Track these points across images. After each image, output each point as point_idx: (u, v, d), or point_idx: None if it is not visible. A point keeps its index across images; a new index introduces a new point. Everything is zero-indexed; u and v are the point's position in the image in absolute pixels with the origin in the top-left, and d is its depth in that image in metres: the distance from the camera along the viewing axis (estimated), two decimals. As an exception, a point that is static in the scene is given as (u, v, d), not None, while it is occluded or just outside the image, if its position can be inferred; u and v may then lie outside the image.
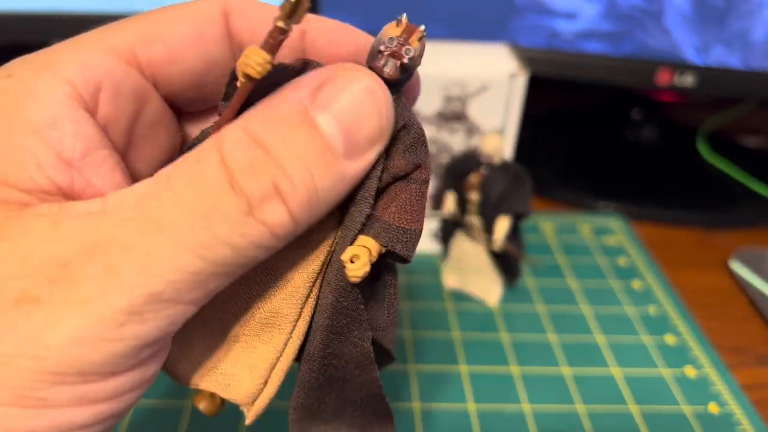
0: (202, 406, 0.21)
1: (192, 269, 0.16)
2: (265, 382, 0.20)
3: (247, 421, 0.20)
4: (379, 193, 0.19)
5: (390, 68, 0.19)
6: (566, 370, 0.38)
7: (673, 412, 0.36)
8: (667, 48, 0.54)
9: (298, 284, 0.20)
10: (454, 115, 0.44)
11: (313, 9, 0.62)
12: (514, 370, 0.38)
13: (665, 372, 0.39)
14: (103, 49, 0.19)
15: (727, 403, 0.37)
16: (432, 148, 0.46)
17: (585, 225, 0.54)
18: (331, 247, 0.20)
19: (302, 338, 0.20)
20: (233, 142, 0.16)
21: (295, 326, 0.20)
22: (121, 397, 0.16)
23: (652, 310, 0.44)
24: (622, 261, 0.49)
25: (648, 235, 0.53)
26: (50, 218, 0.16)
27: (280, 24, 0.16)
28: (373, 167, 0.19)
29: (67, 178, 0.17)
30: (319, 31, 0.21)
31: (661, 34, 0.53)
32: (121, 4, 0.58)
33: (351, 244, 0.19)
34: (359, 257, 0.18)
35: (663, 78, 0.54)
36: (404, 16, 0.19)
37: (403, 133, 0.19)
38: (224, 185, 0.16)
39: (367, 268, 0.18)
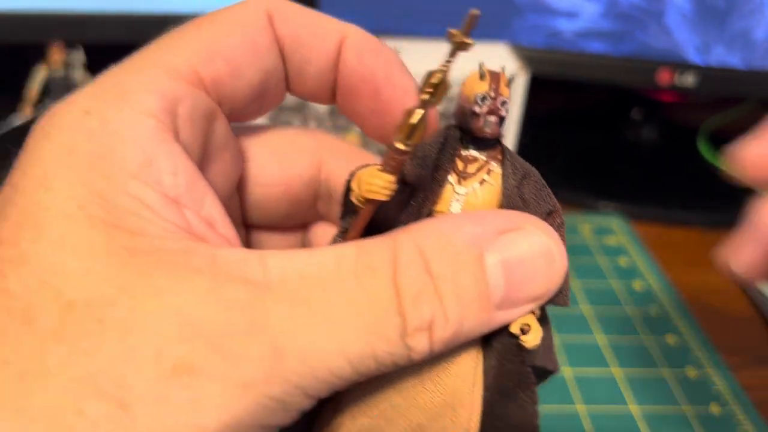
0: None
1: (339, 373, 0.15)
2: None
3: None
4: None
5: (491, 128, 0.18)
6: (566, 370, 0.38)
7: (674, 413, 0.36)
8: (668, 48, 0.54)
9: (466, 359, 0.19)
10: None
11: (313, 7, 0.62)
12: (515, 370, 0.38)
13: (666, 372, 0.39)
14: (170, 73, 0.17)
15: (728, 404, 0.37)
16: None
17: (585, 225, 0.54)
18: None
19: (481, 406, 0.19)
20: (407, 263, 0.16)
21: (472, 396, 0.19)
22: None
23: (652, 310, 0.44)
24: (622, 261, 0.49)
25: (648, 235, 0.53)
26: (210, 276, 0.15)
27: (400, 146, 0.16)
28: None
29: (180, 216, 0.16)
30: (352, 45, 0.20)
31: (661, 34, 0.53)
32: (120, 4, 0.58)
33: None
34: (530, 326, 0.18)
35: (663, 78, 0.54)
36: (483, 65, 0.18)
37: (526, 183, 0.19)
38: (393, 305, 0.15)
39: (541, 333, 0.18)
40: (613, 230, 0.53)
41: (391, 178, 0.17)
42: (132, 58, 0.18)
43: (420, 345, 0.16)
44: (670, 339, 0.41)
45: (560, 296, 0.19)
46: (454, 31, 0.15)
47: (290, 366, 0.15)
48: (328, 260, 0.16)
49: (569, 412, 0.35)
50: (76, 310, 0.14)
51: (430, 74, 0.16)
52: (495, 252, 0.17)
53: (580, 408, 0.35)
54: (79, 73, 0.54)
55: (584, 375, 0.38)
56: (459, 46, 0.16)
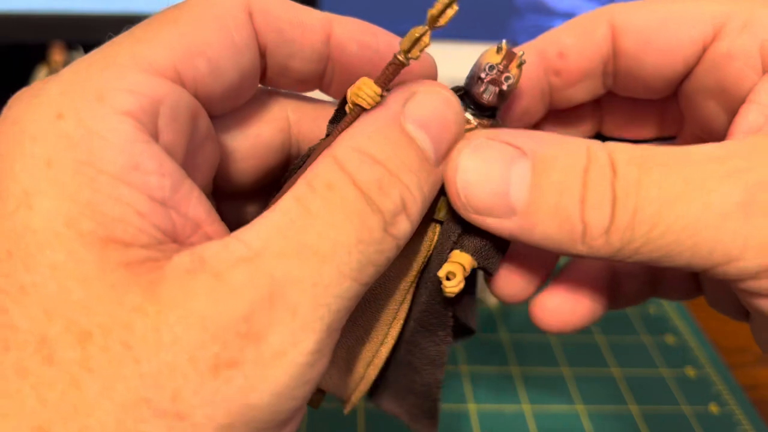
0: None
1: (349, 294, 0.16)
2: (362, 378, 0.22)
3: (345, 411, 0.22)
4: None
5: (489, 95, 0.20)
6: (566, 370, 0.38)
7: (674, 413, 0.36)
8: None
9: (396, 292, 0.21)
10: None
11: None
12: (514, 370, 0.38)
13: (665, 372, 0.39)
14: (149, 70, 0.17)
15: (728, 404, 0.37)
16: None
17: (585, 225, 0.54)
18: (425, 257, 0.21)
19: (396, 339, 0.22)
20: (356, 164, 0.17)
21: (389, 329, 0.21)
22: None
23: (651, 309, 0.44)
24: (622, 261, 0.49)
25: (648, 235, 0.53)
26: (207, 275, 0.15)
27: (401, 57, 0.17)
28: None
29: (166, 219, 0.16)
30: (346, 34, 0.20)
31: (661, 34, 0.53)
32: (120, 4, 0.58)
33: (446, 259, 0.20)
34: (455, 275, 0.19)
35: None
36: (504, 42, 0.20)
37: None
38: (365, 207, 0.16)
39: (462, 285, 0.19)
40: (613, 230, 0.53)
41: (378, 90, 0.18)
42: (102, 51, 0.17)
43: (402, 228, 0.17)
44: (669, 338, 0.41)
45: (492, 261, 0.21)
46: None
47: (311, 315, 0.15)
48: (290, 205, 0.16)
49: (569, 412, 0.35)
50: (95, 339, 0.14)
51: None
52: (409, 120, 0.18)
53: (580, 408, 0.36)
54: (79, 74, 0.55)
55: (584, 375, 0.38)
56: None
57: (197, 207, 0.17)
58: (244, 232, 0.16)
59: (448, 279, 0.20)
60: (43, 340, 0.14)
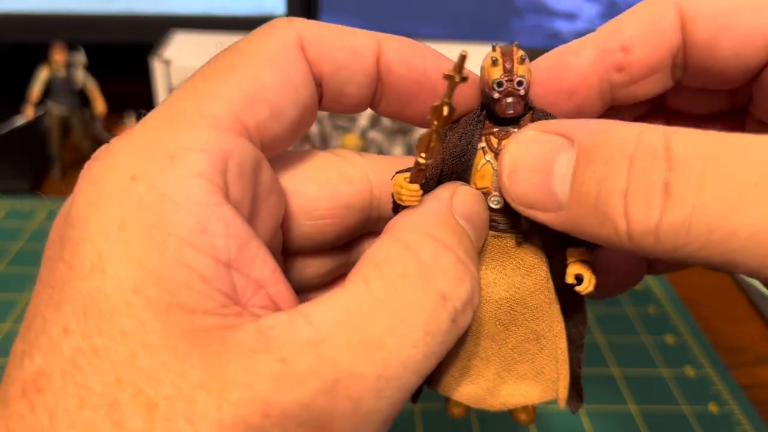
0: (524, 417, 0.24)
1: (409, 387, 0.16)
2: (557, 375, 0.23)
3: (561, 405, 0.23)
4: None
5: (513, 108, 0.20)
6: (566, 370, 0.38)
7: (673, 412, 0.36)
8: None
9: (540, 302, 0.22)
10: (454, 116, 0.44)
11: (313, 11, 0.62)
12: (514, 369, 0.38)
13: (665, 372, 0.39)
14: (215, 126, 0.17)
15: (727, 403, 0.37)
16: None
17: (585, 225, 0.54)
18: (545, 262, 0.22)
19: (564, 332, 0.23)
20: (430, 253, 0.17)
21: (553, 327, 0.22)
22: None
23: (651, 310, 0.44)
24: (622, 261, 0.49)
25: (648, 235, 0.53)
26: (271, 356, 0.15)
27: (421, 160, 0.18)
28: None
29: (229, 282, 0.16)
30: (394, 55, 0.20)
31: (661, 35, 0.53)
32: (120, 4, 0.58)
33: (566, 260, 0.21)
34: (583, 275, 0.20)
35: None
36: (497, 49, 0.20)
37: None
38: (437, 300, 0.16)
39: (594, 281, 0.20)
40: (613, 230, 0.53)
41: (416, 187, 0.19)
42: (169, 107, 0.17)
43: (468, 318, 0.18)
44: (669, 338, 0.41)
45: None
46: (449, 72, 0.17)
47: (372, 407, 0.15)
48: (359, 288, 0.16)
49: (569, 412, 0.35)
50: (160, 410, 0.14)
51: (437, 106, 0.17)
52: (457, 214, 0.19)
53: (580, 407, 0.36)
54: (80, 74, 0.55)
55: (584, 375, 0.38)
56: (456, 83, 0.17)
57: (262, 268, 0.17)
58: (311, 310, 0.16)
59: (578, 281, 0.20)
60: (113, 404, 0.14)
